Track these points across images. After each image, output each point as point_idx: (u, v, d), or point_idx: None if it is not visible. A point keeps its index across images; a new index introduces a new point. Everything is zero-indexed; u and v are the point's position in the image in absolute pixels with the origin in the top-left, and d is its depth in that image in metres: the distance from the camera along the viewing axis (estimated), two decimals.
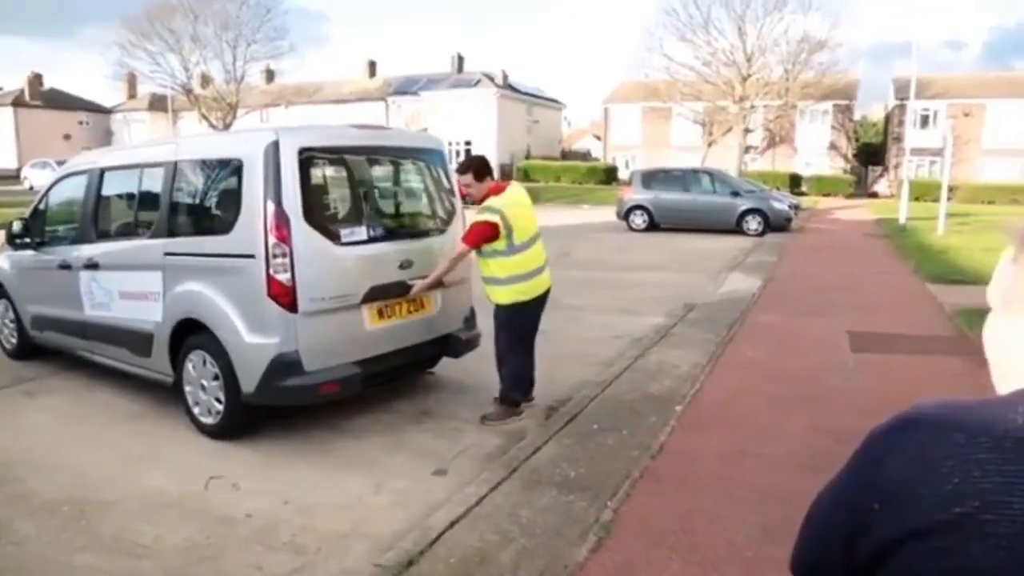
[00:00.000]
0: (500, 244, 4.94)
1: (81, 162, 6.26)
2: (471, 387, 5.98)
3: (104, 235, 5.78)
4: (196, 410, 4.98)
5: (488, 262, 5.03)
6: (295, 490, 4.18)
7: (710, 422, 5.00)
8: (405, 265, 5.03)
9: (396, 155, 5.59)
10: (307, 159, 4.55)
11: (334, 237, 4.68)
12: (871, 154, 48.95)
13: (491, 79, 51.97)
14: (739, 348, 7.03)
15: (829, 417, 5.07)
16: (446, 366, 6.00)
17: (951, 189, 35.97)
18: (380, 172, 5.64)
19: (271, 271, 4.41)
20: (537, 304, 5.21)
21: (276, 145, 4.46)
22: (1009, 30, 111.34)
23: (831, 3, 50.80)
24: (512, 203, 5.01)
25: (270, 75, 50.10)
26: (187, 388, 5.02)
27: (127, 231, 5.69)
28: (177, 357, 5.04)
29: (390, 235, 5.18)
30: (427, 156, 5.66)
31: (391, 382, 5.53)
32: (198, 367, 4.89)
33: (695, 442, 4.63)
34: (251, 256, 4.47)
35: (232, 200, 4.70)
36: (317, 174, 4.81)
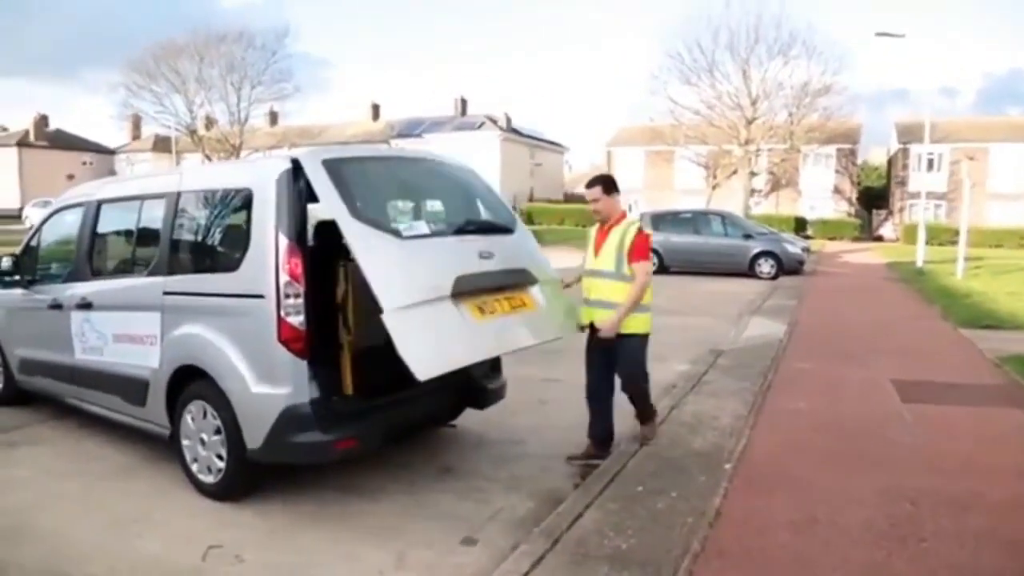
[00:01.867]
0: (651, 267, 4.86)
1: (77, 194, 5.84)
2: (493, 441, 5.48)
3: (99, 272, 5.34)
4: (194, 467, 4.47)
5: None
6: (306, 562, 3.67)
7: (767, 483, 4.48)
8: (485, 255, 4.41)
9: (428, 164, 5.16)
10: (336, 167, 4.05)
11: (394, 232, 4.09)
12: (873, 198, 48.93)
13: (494, 122, 52.24)
14: (779, 398, 6.52)
15: (897, 477, 4.56)
16: (465, 417, 5.50)
17: (956, 233, 35.95)
18: (418, 177, 5.01)
19: (282, 313, 3.94)
20: None
21: (290, 173, 4.04)
22: (1001, 77, 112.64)
23: (833, 48, 51.11)
24: None
25: (274, 117, 50.39)
26: (185, 442, 4.52)
27: (124, 268, 5.24)
28: (175, 407, 4.55)
29: (453, 231, 4.53)
30: (459, 167, 5.21)
31: (411, 435, 5.04)
32: (198, 419, 4.40)
33: (756, 507, 4.11)
34: (260, 296, 4.01)
35: (240, 234, 4.26)
36: (353, 178, 4.17)
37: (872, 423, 5.75)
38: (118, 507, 4.34)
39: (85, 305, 5.19)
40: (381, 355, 4.52)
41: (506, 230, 4.88)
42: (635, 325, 4.80)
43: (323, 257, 4.50)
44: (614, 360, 4.92)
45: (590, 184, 4.93)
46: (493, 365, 5.25)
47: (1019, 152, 42.11)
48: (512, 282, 4.58)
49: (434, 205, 4.87)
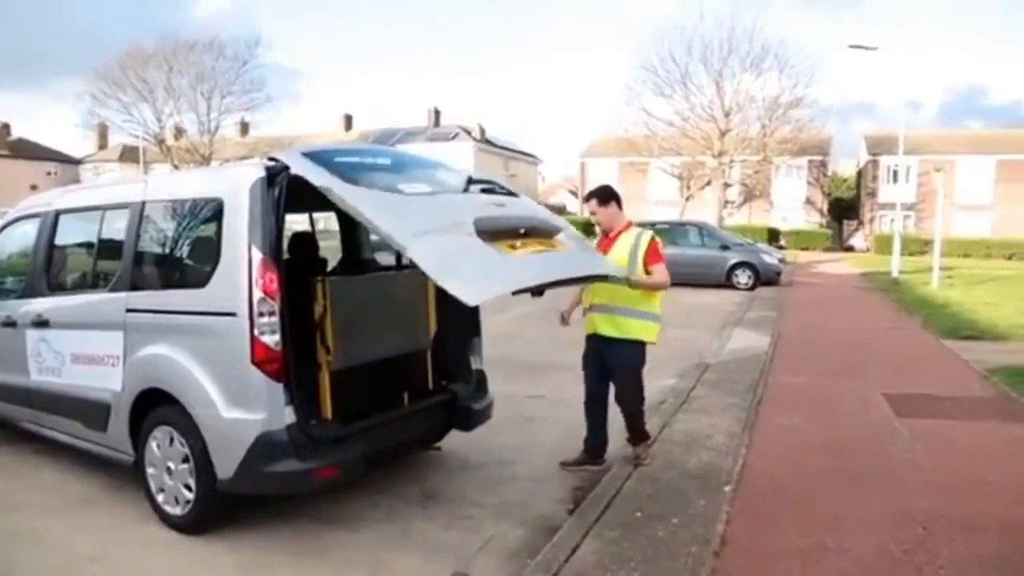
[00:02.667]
0: None
1: (34, 204, 5.48)
2: (479, 463, 5.21)
3: (57, 288, 5.00)
4: (160, 498, 4.14)
5: (651, 294, 4.75)
6: None
7: (769, 507, 4.28)
8: (499, 204, 4.10)
9: (404, 154, 4.89)
10: (317, 155, 3.78)
11: (395, 191, 3.77)
12: (843, 209, 49.44)
13: (468, 133, 52.09)
14: (771, 414, 6.34)
15: (904, 497, 4.38)
16: (448, 438, 5.22)
17: (927, 243, 36.43)
18: (400, 160, 4.58)
19: (256, 332, 3.65)
20: None
21: (264, 182, 3.76)
22: (962, 92, 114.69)
23: (805, 61, 51.80)
24: None
25: (244, 127, 49.71)
26: (150, 470, 4.19)
27: (83, 283, 4.91)
28: (139, 433, 4.23)
29: (458, 192, 4.22)
30: (435, 159, 4.86)
31: (394, 459, 4.77)
32: (164, 446, 4.08)
33: (761, 534, 3.89)
34: (231, 314, 3.72)
35: (210, 247, 3.97)
36: (336, 160, 3.86)
37: (870, 439, 5.58)
38: (77, 544, 3.99)
39: (41, 323, 4.85)
40: (362, 376, 4.26)
41: (510, 194, 4.49)
42: (641, 331, 4.74)
43: (299, 272, 4.23)
44: (609, 368, 4.85)
45: (586, 198, 4.91)
46: (479, 385, 4.99)
47: (984, 164, 42.87)
48: (535, 226, 4.09)
49: (427, 176, 4.32)
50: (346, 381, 4.11)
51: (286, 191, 3.75)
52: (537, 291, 3.83)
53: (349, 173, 3.71)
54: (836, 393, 7.11)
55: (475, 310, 4.89)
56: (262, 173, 3.79)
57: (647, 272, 4.69)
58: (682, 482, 4.63)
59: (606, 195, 4.89)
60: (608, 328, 4.77)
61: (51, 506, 4.51)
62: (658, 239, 4.83)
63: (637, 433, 4.98)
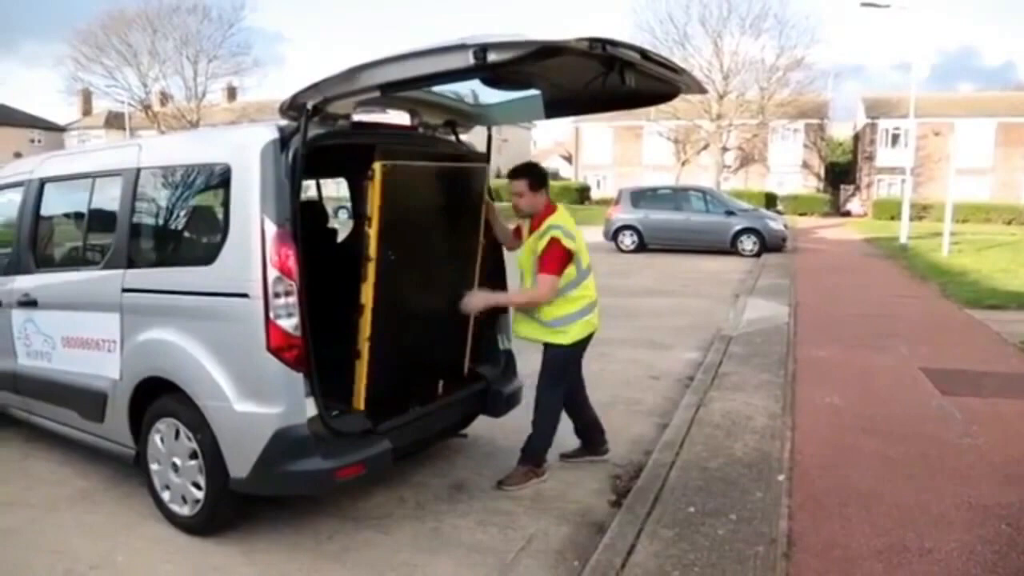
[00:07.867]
0: (571, 273, 4.10)
1: (15, 172, 4.99)
2: (506, 449, 4.78)
3: (44, 264, 4.55)
4: (166, 496, 3.76)
5: (555, 299, 4.09)
6: None
7: (832, 499, 3.93)
8: None
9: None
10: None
11: None
12: (839, 173, 48.89)
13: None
14: (809, 392, 5.98)
15: (974, 488, 4.05)
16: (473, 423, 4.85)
17: (925, 208, 36.10)
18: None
19: (271, 315, 3.23)
20: (588, 341, 4.35)
21: (277, 144, 3.32)
22: (953, 54, 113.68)
23: (806, 22, 50.88)
24: (573, 224, 4.17)
25: (232, 93, 48.63)
26: (153, 466, 3.80)
27: (73, 259, 4.47)
28: (140, 425, 3.83)
29: None
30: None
31: (424, 449, 4.41)
32: (168, 440, 3.68)
33: (829, 531, 3.55)
34: (243, 295, 3.29)
35: (216, 219, 3.54)
36: None
37: (920, 420, 5.24)
38: (74, 546, 3.61)
39: (28, 303, 4.41)
40: (398, 364, 3.86)
41: None
42: (562, 336, 4.14)
43: (307, 245, 3.79)
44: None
45: (513, 175, 4.16)
46: (507, 366, 4.61)
47: (983, 127, 42.34)
48: None
49: None
50: (380, 370, 3.68)
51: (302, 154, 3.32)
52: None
53: None
54: (871, 368, 6.76)
55: (503, 284, 4.52)
56: (274, 135, 3.35)
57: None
58: (732, 471, 4.28)
59: (541, 178, 4.20)
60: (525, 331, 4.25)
61: (44, 502, 4.12)
62: (566, 244, 4.00)
63: (529, 451, 4.28)
